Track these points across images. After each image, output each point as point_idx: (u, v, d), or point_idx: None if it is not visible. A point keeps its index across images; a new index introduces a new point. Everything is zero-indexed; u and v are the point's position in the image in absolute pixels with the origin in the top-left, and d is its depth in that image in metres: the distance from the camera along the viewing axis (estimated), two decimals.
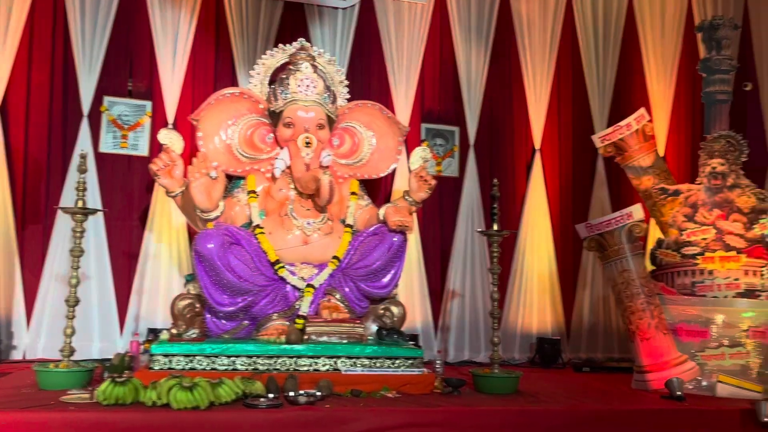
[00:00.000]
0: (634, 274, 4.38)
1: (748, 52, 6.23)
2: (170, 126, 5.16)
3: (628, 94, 6.21)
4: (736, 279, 4.35)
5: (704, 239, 4.50)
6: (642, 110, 5.07)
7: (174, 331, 4.07)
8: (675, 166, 6.07)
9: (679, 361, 4.24)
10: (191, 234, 5.12)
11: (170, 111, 5.26)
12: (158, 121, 5.25)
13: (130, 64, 5.31)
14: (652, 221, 5.24)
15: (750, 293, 4.33)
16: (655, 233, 5.30)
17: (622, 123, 5.02)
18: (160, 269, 5.17)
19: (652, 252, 4.80)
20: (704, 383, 4.20)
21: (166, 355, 3.74)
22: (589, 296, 5.96)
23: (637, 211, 4.42)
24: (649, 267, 4.66)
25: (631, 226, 4.40)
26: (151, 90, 5.31)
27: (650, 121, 5.07)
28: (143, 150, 5.27)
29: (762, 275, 4.35)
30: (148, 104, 5.29)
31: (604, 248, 4.50)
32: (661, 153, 5.71)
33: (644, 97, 6.19)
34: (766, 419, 3.56)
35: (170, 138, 4.23)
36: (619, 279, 4.43)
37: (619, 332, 5.86)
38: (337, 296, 4.23)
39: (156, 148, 5.19)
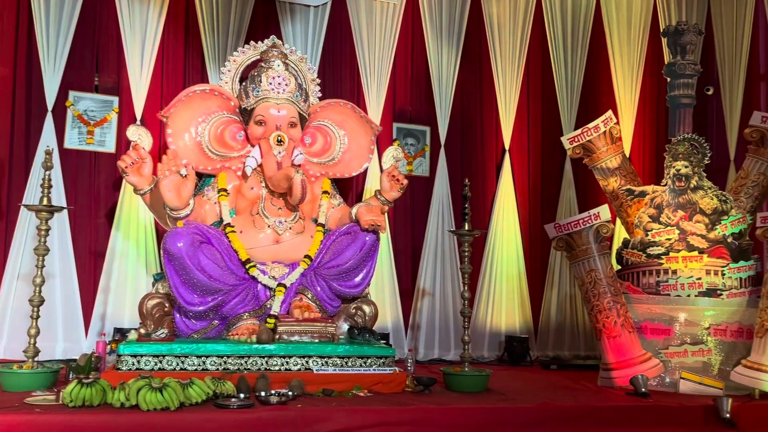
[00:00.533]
0: (601, 274, 4.47)
1: (711, 57, 6.40)
2: (138, 122, 5.07)
3: (596, 97, 6.32)
4: (699, 278, 4.47)
5: (668, 240, 4.62)
6: (609, 113, 5.16)
7: (142, 330, 4.00)
8: (640, 167, 6.21)
9: (644, 358, 4.34)
10: (159, 232, 5.05)
11: (138, 107, 5.17)
12: (125, 117, 5.16)
13: (96, 59, 5.20)
14: (619, 222, 5.34)
15: (711, 292, 4.45)
16: (621, 233, 5.41)
17: (590, 125, 5.10)
18: (127, 268, 5.08)
19: (618, 252, 4.90)
20: (668, 380, 4.30)
21: (134, 356, 3.68)
22: (557, 295, 6.06)
23: (604, 211, 4.51)
24: (616, 266, 4.75)
25: (598, 226, 4.49)
26: (118, 85, 5.20)
27: (617, 123, 5.17)
28: (110, 146, 5.18)
29: (723, 275, 4.48)
30: (115, 100, 5.20)
31: (572, 248, 4.58)
32: (627, 154, 5.81)
33: (611, 99, 6.32)
34: (727, 415, 3.67)
35: (139, 134, 4.17)
36: (586, 278, 4.51)
37: (585, 330, 5.98)
38: (309, 295, 4.22)
39: (123, 144, 5.10)
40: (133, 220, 5.10)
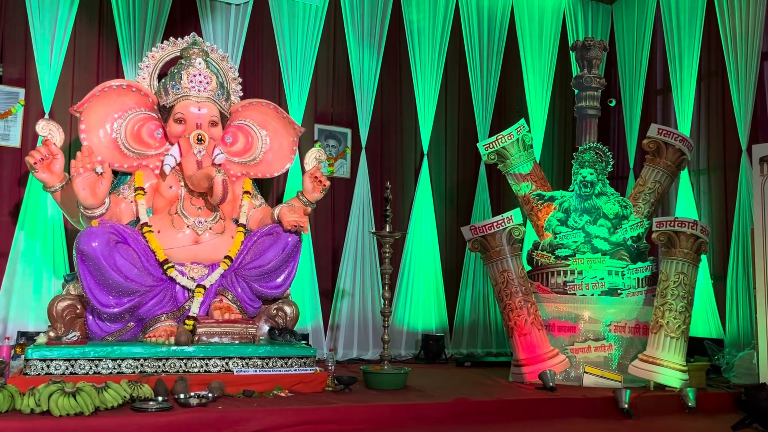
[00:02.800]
0: (513, 274, 4.69)
1: (614, 71, 6.84)
2: (47, 116, 4.84)
3: (509, 105, 6.60)
4: (601, 278, 4.78)
5: (575, 242, 4.90)
6: (522, 121, 5.42)
7: (52, 334, 3.84)
8: (550, 173, 6.53)
9: (552, 354, 4.59)
10: (69, 231, 4.84)
11: (47, 100, 4.93)
12: (32, 110, 4.91)
13: (1, 48, 4.92)
14: (529, 224, 5.61)
15: (613, 291, 4.77)
16: (531, 236, 5.68)
17: (504, 132, 5.34)
18: (32, 269, 4.83)
19: (528, 253, 5.15)
20: (573, 374, 4.57)
21: (43, 360, 3.53)
22: (471, 295, 6.28)
23: (516, 215, 4.74)
24: (527, 267, 4.99)
25: (511, 229, 4.71)
26: (25, 76, 4.94)
27: (529, 131, 5.43)
28: (14, 141, 4.91)
29: (623, 275, 4.80)
30: (21, 92, 4.93)
31: (486, 249, 4.78)
32: (538, 161, 6.11)
33: (524, 108, 6.62)
34: (625, 406, 3.96)
35: (50, 129, 4.01)
36: (499, 278, 4.72)
37: (497, 328, 6.24)
38: (229, 296, 4.18)
39: (30, 139, 4.86)
40: (40, 219, 4.86)
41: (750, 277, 5.04)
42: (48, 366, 3.53)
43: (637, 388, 4.30)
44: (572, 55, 6.16)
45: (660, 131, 5.09)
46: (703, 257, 4.90)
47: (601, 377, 4.44)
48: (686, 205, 5.93)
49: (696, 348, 5.13)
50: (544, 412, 3.90)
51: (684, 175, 5.84)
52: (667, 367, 4.33)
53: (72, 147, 4.77)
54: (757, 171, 4.30)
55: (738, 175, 5.54)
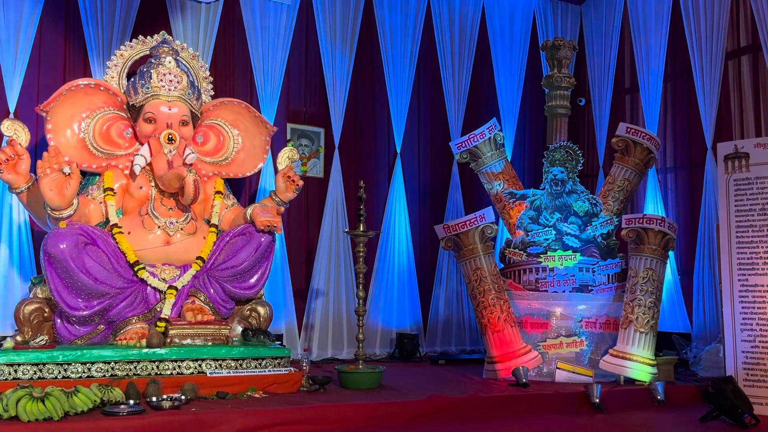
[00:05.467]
0: (486, 272, 4.72)
1: (583, 71, 6.93)
2: (11, 116, 4.73)
3: (481, 104, 6.65)
4: (573, 275, 4.85)
5: (546, 239, 4.96)
6: (494, 120, 5.46)
7: (19, 338, 3.76)
8: (522, 171, 6.60)
9: (525, 351, 4.63)
10: (36, 233, 4.74)
11: (11, 99, 4.82)
12: None
13: None
14: (501, 222, 5.66)
15: (583, 288, 4.84)
16: (504, 234, 5.74)
17: (476, 131, 5.37)
18: None
19: (501, 251, 5.20)
20: (545, 370, 4.63)
21: (10, 365, 3.46)
22: (444, 293, 6.31)
23: (489, 213, 4.77)
24: (500, 265, 5.04)
25: (483, 227, 4.74)
26: None
27: (500, 130, 5.47)
28: None
29: (593, 272, 4.88)
30: None
31: (459, 248, 4.81)
32: (510, 159, 6.18)
33: (494, 107, 6.67)
34: (597, 400, 4.02)
35: (15, 129, 3.93)
36: (472, 276, 4.76)
37: (470, 326, 6.28)
38: (202, 298, 4.15)
39: None
40: (5, 220, 4.74)
41: (716, 271, 5.16)
42: (15, 371, 3.46)
43: (608, 382, 4.37)
44: (542, 54, 6.23)
45: (629, 130, 5.18)
46: (671, 253, 5.00)
47: (573, 373, 4.51)
48: (654, 203, 6.05)
49: (664, 342, 5.24)
50: (518, 408, 3.94)
51: (651, 173, 5.95)
52: (637, 361, 4.41)
53: (38, 147, 4.67)
54: (721, 168, 4.41)
55: (703, 173, 5.66)
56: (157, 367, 3.71)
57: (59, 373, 3.53)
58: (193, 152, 4.37)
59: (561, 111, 5.51)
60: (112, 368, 3.62)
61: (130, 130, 4.43)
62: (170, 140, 4.23)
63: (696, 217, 5.73)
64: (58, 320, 3.85)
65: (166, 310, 4.03)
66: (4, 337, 4.10)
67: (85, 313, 3.77)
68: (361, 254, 4.37)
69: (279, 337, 5.03)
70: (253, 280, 4.21)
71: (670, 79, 6.13)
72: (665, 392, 4.21)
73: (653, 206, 6.02)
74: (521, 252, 4.99)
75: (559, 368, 4.53)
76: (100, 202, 4.20)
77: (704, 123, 5.68)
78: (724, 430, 3.64)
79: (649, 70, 6.22)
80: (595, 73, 6.86)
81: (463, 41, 6.55)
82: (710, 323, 5.44)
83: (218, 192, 4.52)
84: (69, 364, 3.55)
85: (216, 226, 4.39)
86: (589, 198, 5.06)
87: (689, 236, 5.79)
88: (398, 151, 6.22)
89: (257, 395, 3.68)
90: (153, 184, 4.30)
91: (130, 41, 4.79)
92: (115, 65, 4.60)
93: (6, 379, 3.42)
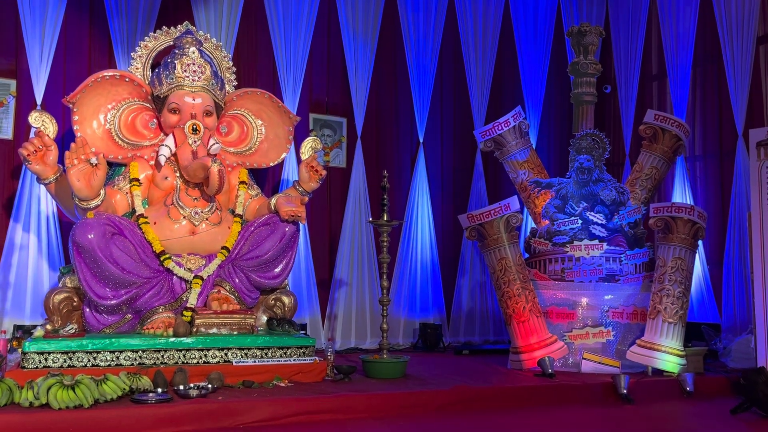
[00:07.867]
0: (511, 262, 4.68)
1: (609, 57, 6.81)
2: (39, 107, 4.79)
3: (505, 92, 6.57)
4: (599, 265, 4.78)
5: (572, 229, 4.90)
6: (518, 108, 5.39)
7: (49, 327, 3.82)
8: (547, 160, 6.52)
9: (550, 341, 4.59)
10: (64, 223, 4.81)
11: (38, 91, 4.88)
12: (24, 101, 4.87)
13: None
14: (527, 211, 5.60)
15: (610, 278, 4.77)
16: (529, 223, 5.68)
17: (501, 120, 5.31)
18: (27, 261, 4.79)
19: (526, 240, 5.15)
20: (571, 361, 4.58)
21: (41, 353, 3.51)
22: (468, 283, 6.28)
23: (513, 202, 4.72)
24: (524, 254, 4.99)
25: (508, 216, 4.69)
26: (16, 68, 4.89)
27: (525, 118, 5.41)
28: (6, 132, 4.86)
29: (620, 261, 4.81)
30: (12, 83, 4.88)
31: (484, 237, 4.76)
32: (535, 148, 6.10)
33: (519, 95, 6.59)
34: (624, 391, 3.97)
35: (43, 120, 3.97)
36: (497, 266, 4.71)
37: (494, 316, 6.24)
38: (227, 287, 4.16)
39: (21, 130, 4.81)
40: (34, 211, 4.82)
41: (747, 261, 5.05)
42: (46, 359, 3.51)
43: (636, 373, 4.31)
44: (567, 41, 6.13)
45: (657, 117, 5.08)
46: (700, 243, 4.90)
47: (600, 363, 4.45)
48: (682, 191, 5.94)
49: (693, 333, 5.15)
50: (544, 399, 3.91)
51: (679, 161, 5.84)
52: (665, 352, 4.35)
53: (65, 138, 4.72)
54: (754, 156, 4.30)
55: (734, 160, 5.54)
56: (184, 356, 3.74)
57: (88, 361, 3.57)
58: (217, 142, 4.38)
59: (587, 98, 5.42)
60: (140, 357, 3.66)
61: (155, 120, 4.46)
62: (194, 131, 4.24)
63: (726, 206, 5.61)
64: (87, 309, 3.89)
65: (192, 300, 4.06)
66: (35, 326, 4.18)
67: (112, 302, 3.81)
68: (384, 244, 4.35)
69: (303, 327, 5.05)
70: (277, 270, 4.22)
71: (699, 64, 6.00)
72: (694, 383, 4.15)
73: (681, 195, 5.91)
74: (547, 242, 4.93)
75: (585, 359, 4.48)
76: (126, 193, 4.24)
77: (735, 109, 5.55)
78: (755, 422, 3.56)
79: (678, 55, 6.09)
80: (621, 59, 6.73)
81: (486, 28, 6.48)
82: (740, 314, 5.34)
83: (242, 182, 4.53)
84: (98, 352, 3.59)
85: (240, 216, 4.40)
86: (616, 187, 4.98)
87: (719, 226, 5.68)
88: (421, 140, 6.18)
89: (283, 384, 3.70)
90: (178, 174, 4.32)
91: (154, 32, 4.81)
92: (140, 56, 4.62)
93: (37, 367, 3.47)
